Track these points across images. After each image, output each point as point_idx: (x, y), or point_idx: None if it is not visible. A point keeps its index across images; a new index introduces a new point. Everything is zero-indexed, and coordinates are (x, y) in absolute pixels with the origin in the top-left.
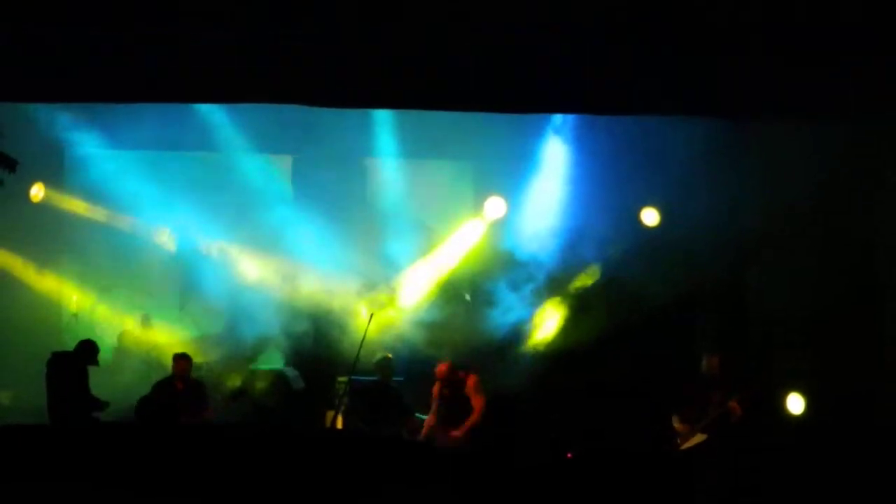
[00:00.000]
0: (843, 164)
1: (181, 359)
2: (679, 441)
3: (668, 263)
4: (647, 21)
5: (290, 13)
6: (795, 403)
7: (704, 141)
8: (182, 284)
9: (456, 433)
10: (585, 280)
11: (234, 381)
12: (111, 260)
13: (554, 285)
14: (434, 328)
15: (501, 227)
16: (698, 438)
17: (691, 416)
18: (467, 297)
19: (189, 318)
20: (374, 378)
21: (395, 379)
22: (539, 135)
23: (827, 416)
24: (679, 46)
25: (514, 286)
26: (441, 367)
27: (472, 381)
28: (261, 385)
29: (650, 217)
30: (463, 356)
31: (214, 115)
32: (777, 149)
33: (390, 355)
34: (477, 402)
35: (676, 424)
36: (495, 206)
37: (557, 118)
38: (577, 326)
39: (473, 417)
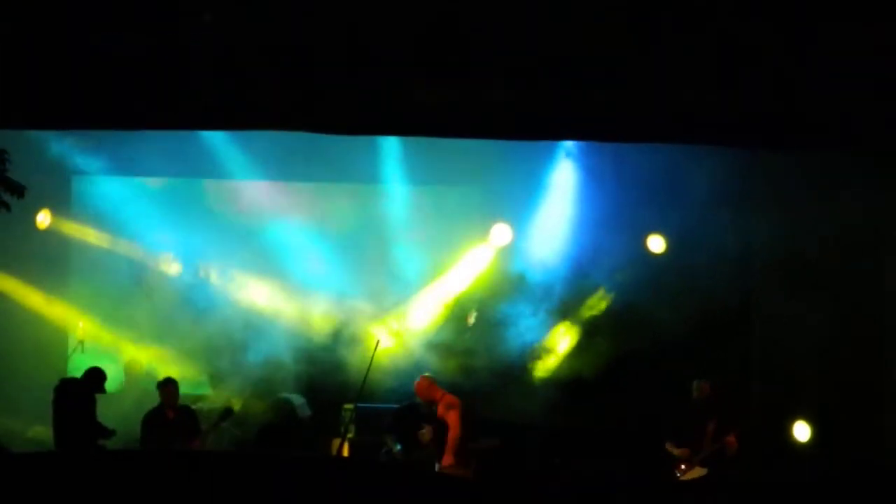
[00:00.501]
0: (856, 206)
1: (168, 384)
2: (678, 470)
3: (675, 290)
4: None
5: (294, 40)
6: (802, 431)
7: (717, 170)
8: (188, 311)
9: (446, 462)
10: (594, 305)
11: (226, 404)
12: (117, 286)
13: (563, 310)
14: (442, 352)
15: (510, 251)
16: (698, 472)
17: (687, 442)
18: (471, 320)
19: (189, 343)
20: (411, 401)
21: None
22: (548, 159)
23: (833, 445)
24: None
25: (522, 310)
26: (417, 384)
27: (443, 400)
28: (266, 412)
29: (656, 244)
30: (470, 380)
31: (221, 142)
32: (791, 183)
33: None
34: (449, 422)
35: (673, 450)
36: (501, 233)
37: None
38: (585, 352)
39: (448, 443)
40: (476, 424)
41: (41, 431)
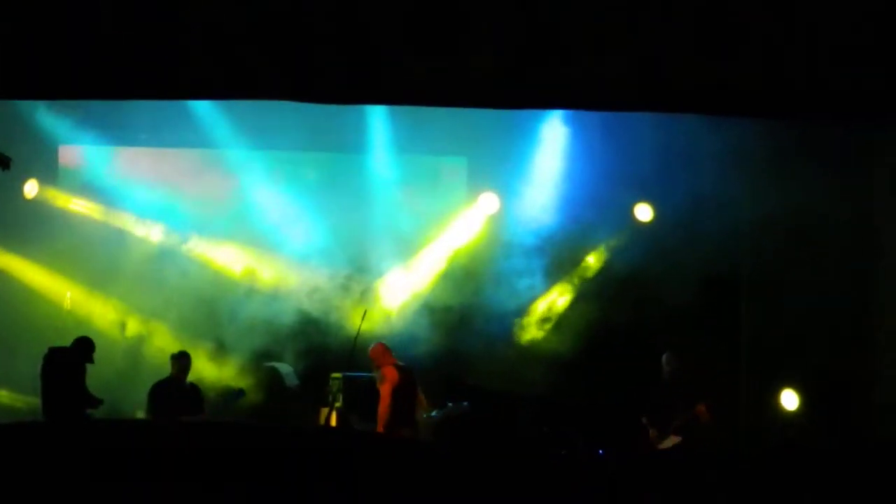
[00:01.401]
0: (851, 177)
1: (182, 357)
2: (653, 441)
3: (664, 259)
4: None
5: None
6: (790, 399)
7: (706, 137)
8: (173, 280)
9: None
10: (582, 273)
11: (224, 378)
12: (105, 256)
13: (551, 276)
14: (429, 319)
15: (499, 218)
16: (672, 440)
17: (660, 417)
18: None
19: (178, 313)
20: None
21: None
22: (536, 127)
23: (821, 412)
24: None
25: (510, 276)
26: (372, 349)
27: (382, 370)
28: (254, 381)
29: (644, 213)
30: (457, 345)
31: (207, 111)
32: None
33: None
34: (381, 393)
35: (647, 425)
36: (489, 201)
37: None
38: (573, 320)
39: (378, 414)
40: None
41: (31, 401)
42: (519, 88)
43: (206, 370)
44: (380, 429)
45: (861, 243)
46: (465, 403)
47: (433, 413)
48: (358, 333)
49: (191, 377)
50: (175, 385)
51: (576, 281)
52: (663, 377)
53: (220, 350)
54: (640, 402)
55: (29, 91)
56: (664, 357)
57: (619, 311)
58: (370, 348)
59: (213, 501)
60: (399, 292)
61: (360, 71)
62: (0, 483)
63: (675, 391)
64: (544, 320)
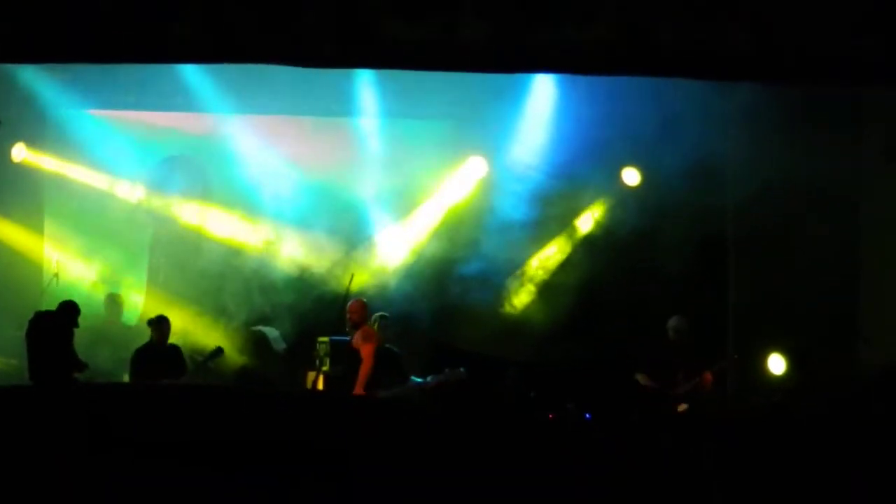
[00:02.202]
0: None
1: (161, 322)
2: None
3: (652, 223)
4: None
5: None
6: (777, 364)
7: (694, 100)
8: (161, 245)
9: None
10: (572, 235)
11: (211, 342)
12: (92, 220)
13: (547, 231)
14: (417, 281)
15: (488, 181)
16: (681, 407)
17: (659, 375)
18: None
19: (164, 278)
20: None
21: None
22: (522, 90)
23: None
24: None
25: (500, 238)
26: (352, 305)
27: (363, 330)
28: (241, 345)
29: (631, 176)
30: (444, 309)
31: (194, 75)
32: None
33: (386, 315)
34: (363, 354)
35: (642, 380)
36: (477, 165)
37: None
38: (560, 285)
39: (360, 375)
40: (448, 354)
41: (14, 364)
42: (508, 53)
43: (192, 332)
44: (360, 388)
45: (848, 206)
46: (462, 369)
47: (427, 378)
48: (347, 293)
49: (177, 340)
50: (155, 349)
51: (567, 241)
52: (668, 339)
53: (207, 313)
54: (637, 360)
55: (16, 55)
56: (673, 320)
57: (610, 271)
58: (349, 304)
59: (195, 462)
60: (389, 254)
61: (349, 36)
62: None
63: (680, 355)
64: (535, 281)
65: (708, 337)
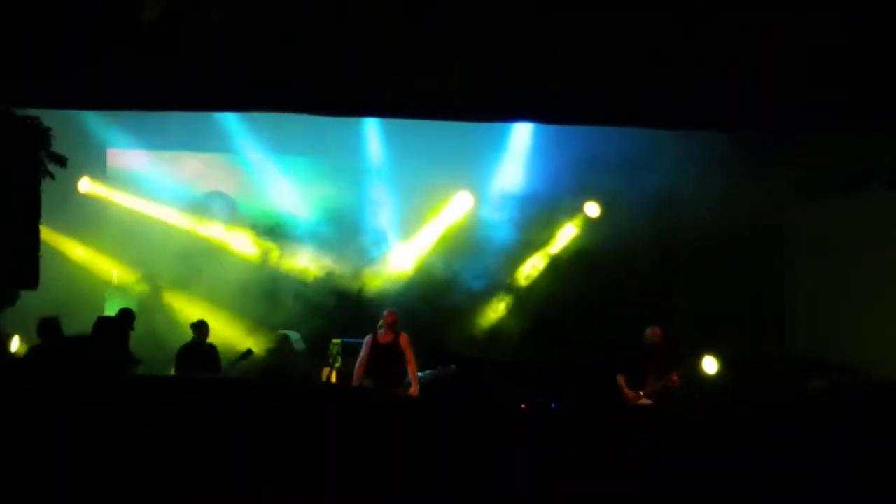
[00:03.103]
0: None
1: (202, 325)
2: (633, 398)
3: (612, 247)
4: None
5: (297, 33)
6: (710, 365)
7: (646, 142)
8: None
9: (414, 391)
10: (548, 253)
11: (244, 344)
12: (140, 239)
13: (524, 253)
14: (417, 294)
15: (475, 211)
16: (644, 402)
17: (634, 378)
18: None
19: (204, 290)
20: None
21: None
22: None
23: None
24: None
25: (485, 258)
26: (392, 314)
27: (402, 337)
28: (268, 346)
29: (592, 209)
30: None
31: (229, 120)
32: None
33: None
34: (410, 356)
35: (623, 384)
36: (463, 200)
37: None
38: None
39: (414, 374)
40: (441, 354)
41: None
42: (491, 105)
43: (228, 334)
44: (416, 386)
45: (774, 231)
46: (453, 367)
47: (426, 373)
48: (359, 295)
49: (215, 340)
50: (196, 348)
51: (541, 259)
52: (644, 345)
53: (242, 319)
54: (614, 364)
55: (76, 102)
56: (647, 330)
57: (577, 286)
58: (389, 315)
59: (231, 441)
60: (396, 268)
61: (359, 90)
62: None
63: (652, 359)
64: (514, 293)
65: (677, 342)
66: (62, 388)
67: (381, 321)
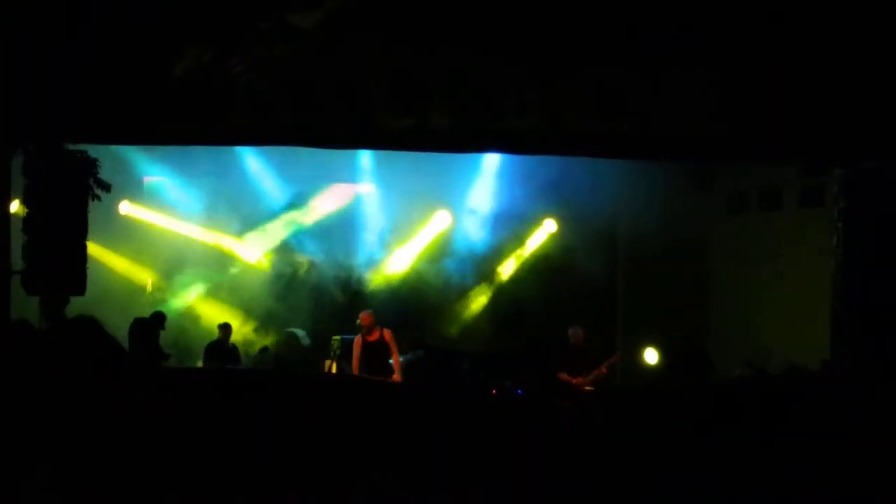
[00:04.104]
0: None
1: (226, 326)
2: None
3: (570, 252)
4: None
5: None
6: (651, 356)
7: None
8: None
9: (396, 378)
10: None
11: (261, 342)
12: (175, 254)
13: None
14: (402, 296)
15: (453, 228)
16: (588, 388)
17: (571, 371)
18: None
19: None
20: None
21: None
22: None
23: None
24: None
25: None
26: (366, 315)
27: (385, 332)
28: (279, 342)
29: (550, 226)
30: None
31: (248, 153)
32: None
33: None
34: (395, 348)
35: (565, 378)
36: (442, 219)
37: None
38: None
39: (397, 365)
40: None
41: None
42: (463, 139)
43: (245, 333)
44: (399, 375)
45: (701, 243)
46: (421, 351)
47: (401, 358)
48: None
49: (235, 339)
50: (221, 345)
51: (510, 265)
52: (571, 344)
53: (255, 319)
54: (556, 359)
55: (117, 138)
56: (570, 330)
57: (540, 288)
58: (365, 315)
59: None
60: (387, 273)
61: (354, 127)
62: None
63: (580, 354)
64: (486, 294)
65: (605, 338)
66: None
67: (359, 323)
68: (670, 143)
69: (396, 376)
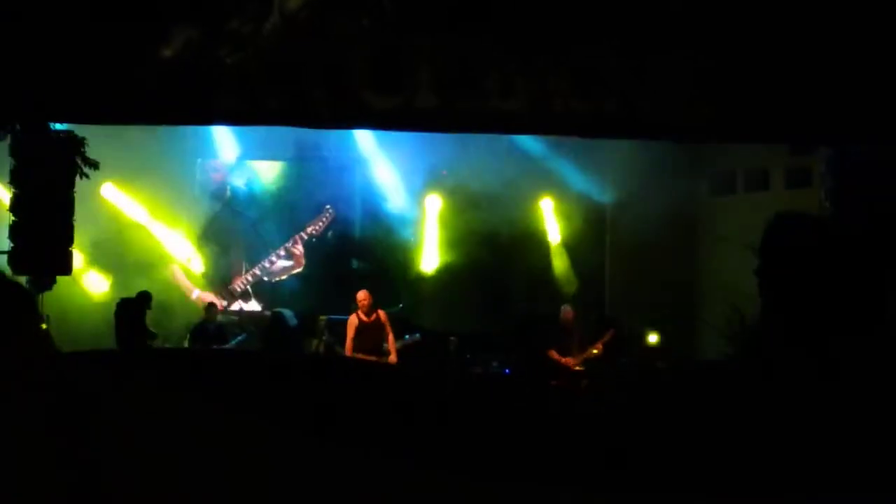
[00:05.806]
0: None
1: (212, 306)
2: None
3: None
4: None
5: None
6: (652, 337)
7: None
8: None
9: (393, 360)
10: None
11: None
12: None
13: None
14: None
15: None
16: (578, 368)
17: (561, 350)
18: None
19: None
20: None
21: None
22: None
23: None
24: None
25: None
26: (365, 294)
27: (380, 313)
28: (266, 322)
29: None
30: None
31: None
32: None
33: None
34: (390, 329)
35: (555, 356)
36: (434, 202)
37: None
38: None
39: (393, 346)
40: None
41: None
42: (449, 119)
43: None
44: (395, 356)
45: (689, 225)
46: (417, 335)
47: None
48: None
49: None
50: (207, 326)
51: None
52: (560, 324)
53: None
54: (548, 339)
55: (102, 118)
56: (562, 308)
57: (526, 272)
58: (363, 295)
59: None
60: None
61: (340, 107)
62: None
63: (571, 333)
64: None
65: (598, 317)
66: None
67: (358, 303)
68: (655, 123)
69: (393, 358)
